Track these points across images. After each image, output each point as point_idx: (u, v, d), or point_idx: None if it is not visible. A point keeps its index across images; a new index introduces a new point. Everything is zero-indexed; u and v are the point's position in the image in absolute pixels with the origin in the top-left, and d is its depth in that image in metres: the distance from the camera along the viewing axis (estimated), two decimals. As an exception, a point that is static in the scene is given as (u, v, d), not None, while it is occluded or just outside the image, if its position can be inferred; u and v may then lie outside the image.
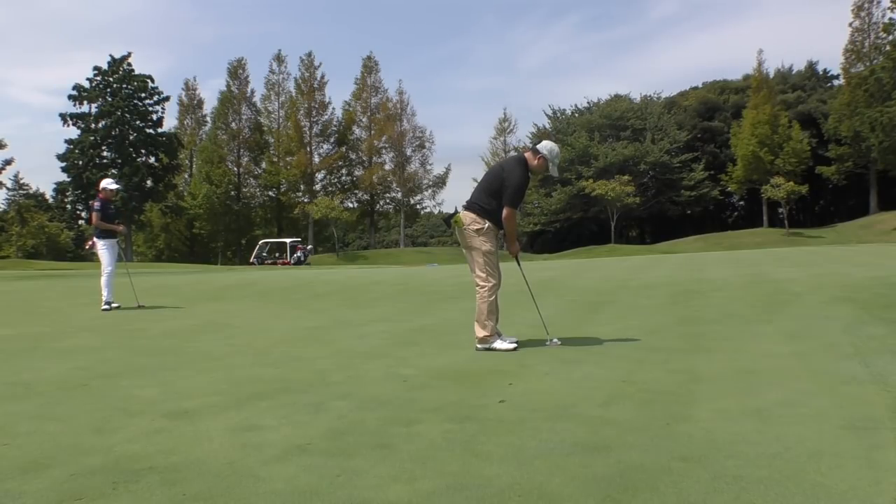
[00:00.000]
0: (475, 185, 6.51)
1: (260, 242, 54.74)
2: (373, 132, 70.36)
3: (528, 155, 6.27)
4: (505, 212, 6.06)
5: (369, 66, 71.12)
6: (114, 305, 10.57)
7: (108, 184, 11.03)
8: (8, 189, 62.42)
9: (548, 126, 79.88)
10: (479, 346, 6.07)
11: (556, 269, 19.06)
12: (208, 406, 4.13)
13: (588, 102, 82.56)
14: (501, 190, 6.07)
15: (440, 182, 72.16)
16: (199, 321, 9.03)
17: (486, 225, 6.11)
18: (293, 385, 4.72)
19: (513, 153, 6.95)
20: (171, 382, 4.92)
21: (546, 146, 6.25)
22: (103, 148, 57.78)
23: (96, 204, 10.78)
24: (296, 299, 12.10)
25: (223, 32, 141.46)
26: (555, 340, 6.20)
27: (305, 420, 3.77)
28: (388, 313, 9.57)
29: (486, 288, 6.11)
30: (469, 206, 6.22)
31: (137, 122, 58.09)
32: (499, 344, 6.04)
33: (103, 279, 10.58)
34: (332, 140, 70.10)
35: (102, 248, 10.71)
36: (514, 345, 6.05)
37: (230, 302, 11.87)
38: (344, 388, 4.59)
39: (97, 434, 3.56)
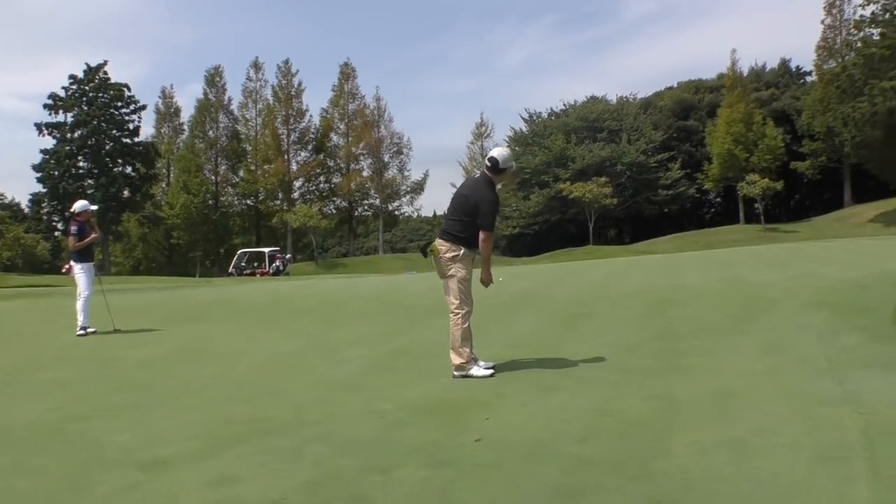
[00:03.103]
0: (452, 193, 6.52)
1: (238, 252, 54.36)
2: (350, 139, 70.20)
3: (490, 174, 6.23)
4: (482, 235, 6.06)
5: (346, 72, 70.98)
6: (90, 330, 10.45)
7: (84, 206, 10.89)
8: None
9: (524, 129, 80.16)
10: (455, 373, 6.08)
11: (535, 276, 19.10)
12: (184, 454, 4.10)
13: (564, 105, 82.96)
14: (474, 214, 6.08)
15: (418, 188, 72.18)
16: (176, 347, 8.96)
17: (462, 251, 6.12)
18: (271, 425, 4.70)
19: (476, 174, 6.87)
20: (147, 424, 4.88)
21: (501, 155, 6.22)
22: (79, 158, 57.08)
23: (73, 227, 10.64)
24: (274, 318, 12.03)
25: (200, 35, 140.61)
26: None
27: (283, 469, 3.75)
28: (366, 333, 9.54)
29: (459, 315, 6.12)
30: (443, 235, 6.23)
31: (114, 132, 57.48)
32: (475, 371, 6.05)
33: (79, 303, 10.46)
34: (309, 147, 69.83)
35: (80, 272, 10.58)
36: (491, 371, 6.06)
37: (208, 323, 11.78)
38: (322, 428, 4.57)
39: (72, 492, 3.52)
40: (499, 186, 6.46)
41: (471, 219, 6.08)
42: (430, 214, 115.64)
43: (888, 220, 51.08)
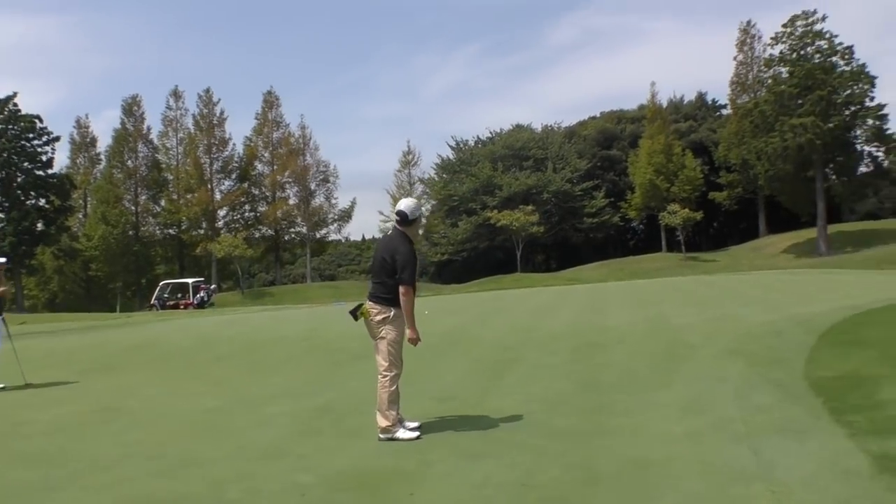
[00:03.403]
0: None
1: (161, 283, 52.92)
2: (275, 167, 69.51)
3: (403, 228, 6.24)
4: (401, 289, 6.01)
5: (270, 100, 70.43)
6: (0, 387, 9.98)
7: None
8: None
9: (451, 157, 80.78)
10: (381, 436, 6.00)
11: (462, 312, 19.13)
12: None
13: (490, 133, 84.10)
14: (395, 273, 6.05)
15: (346, 216, 71.94)
16: (90, 405, 8.58)
17: (392, 313, 6.07)
18: (186, 509, 4.53)
19: (389, 232, 6.79)
20: (54, 511, 4.64)
21: (409, 207, 6.24)
22: (-10, 191, 55.01)
23: (-20, 281, 10.18)
24: (196, 366, 11.71)
25: (116, 62, 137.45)
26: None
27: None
28: (290, 384, 9.37)
29: (388, 377, 6.06)
30: (371, 298, 6.18)
31: (26, 164, 55.45)
32: (401, 434, 5.99)
33: (-12, 359, 9.99)
34: (233, 176, 68.84)
35: (-12, 327, 10.12)
36: (416, 434, 6.01)
37: (126, 373, 11.37)
38: (240, 512, 4.43)
39: None
40: (420, 231, 6.44)
41: (393, 280, 6.06)
42: (359, 238, 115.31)
43: (798, 251, 53.37)
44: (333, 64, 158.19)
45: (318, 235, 70.95)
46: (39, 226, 56.08)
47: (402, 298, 5.99)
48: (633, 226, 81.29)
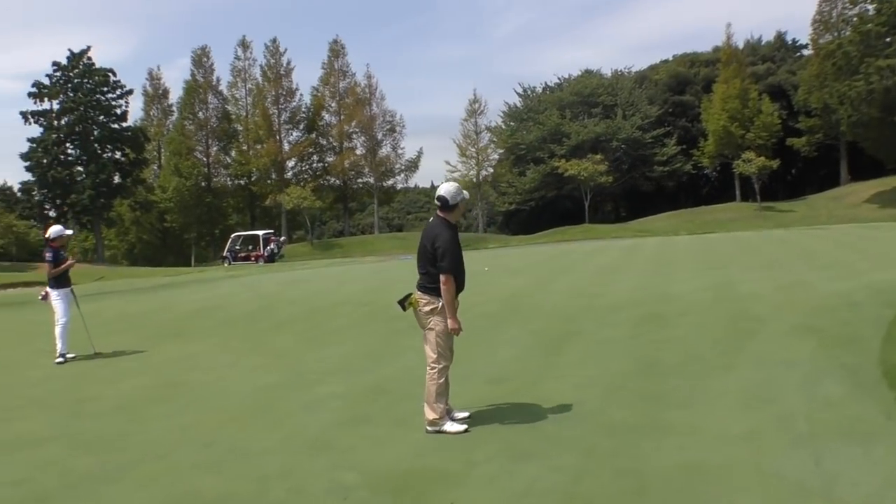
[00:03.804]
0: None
1: (232, 236, 54.05)
2: (342, 117, 69.56)
3: (444, 214, 6.07)
4: (441, 278, 5.87)
5: (336, 49, 70.15)
6: (69, 356, 10.31)
7: (59, 231, 10.65)
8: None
9: (518, 104, 79.50)
10: (428, 428, 5.93)
11: (525, 271, 18.92)
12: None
13: (558, 79, 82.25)
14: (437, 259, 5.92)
15: (412, 166, 71.77)
16: (154, 379, 8.79)
17: (440, 304, 5.94)
18: (229, 513, 4.55)
19: (431, 220, 6.53)
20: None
21: (449, 192, 6.04)
22: (67, 145, 56.54)
23: (48, 254, 10.43)
24: (258, 333, 11.91)
25: (187, 7, 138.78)
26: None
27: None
28: (347, 357, 9.44)
29: (436, 370, 5.96)
30: (420, 288, 6.05)
31: (101, 118, 56.80)
32: (448, 426, 5.89)
33: (58, 330, 10.30)
34: (301, 127, 69.21)
35: (56, 298, 10.41)
36: (464, 427, 5.90)
37: (191, 341, 11.63)
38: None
39: None
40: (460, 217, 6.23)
41: (436, 268, 5.92)
42: (428, 185, 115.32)
43: (883, 200, 50.88)
44: (399, 7, 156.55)
45: (384, 185, 71.11)
46: (116, 178, 57.71)
47: (442, 287, 5.85)
48: (705, 174, 78.76)
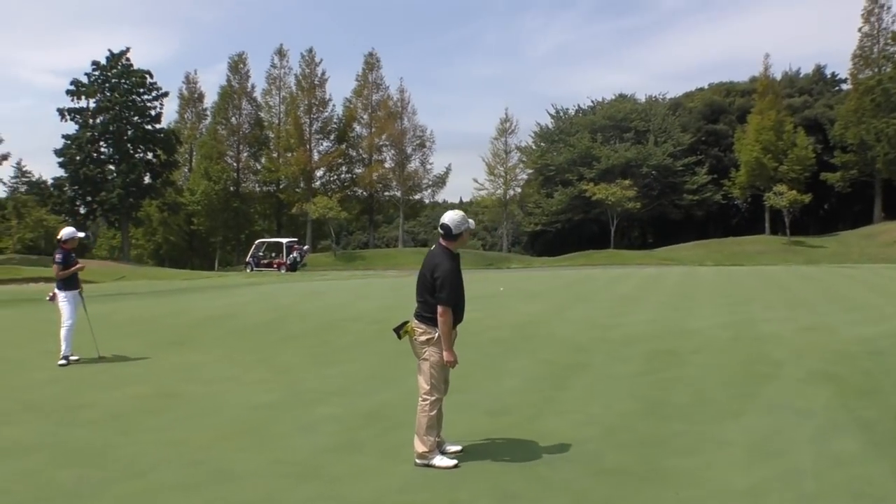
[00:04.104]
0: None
1: (256, 242, 54.29)
2: (373, 130, 69.90)
3: (446, 243, 5.86)
4: (439, 310, 5.66)
5: (371, 62, 70.65)
6: (72, 359, 10.26)
7: (71, 234, 10.61)
8: (4, 183, 62.04)
9: (550, 125, 79.35)
10: (417, 461, 5.73)
11: (543, 295, 18.65)
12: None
13: (592, 102, 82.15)
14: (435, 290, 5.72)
15: (440, 182, 71.91)
16: (152, 388, 8.69)
17: (437, 334, 5.75)
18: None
19: (433, 248, 6.34)
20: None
21: (453, 220, 5.81)
22: (101, 144, 57.35)
23: (58, 256, 10.39)
24: (265, 346, 11.77)
25: (225, 14, 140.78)
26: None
27: None
28: (351, 377, 9.27)
29: (428, 402, 5.76)
30: (416, 316, 5.87)
31: (135, 118, 57.55)
32: (438, 461, 5.68)
33: (63, 332, 10.26)
34: (332, 137, 69.69)
35: (63, 300, 10.37)
36: (454, 462, 5.69)
37: (197, 350, 11.53)
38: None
39: None
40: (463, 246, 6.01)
41: (434, 298, 5.73)
42: (457, 201, 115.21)
43: (917, 239, 49.92)
44: (436, 21, 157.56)
45: (411, 200, 71.20)
46: (146, 179, 58.32)
47: (439, 319, 5.65)
48: (735, 204, 77.99)
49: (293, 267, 47.60)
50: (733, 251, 52.96)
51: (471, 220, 6.00)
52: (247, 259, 51.87)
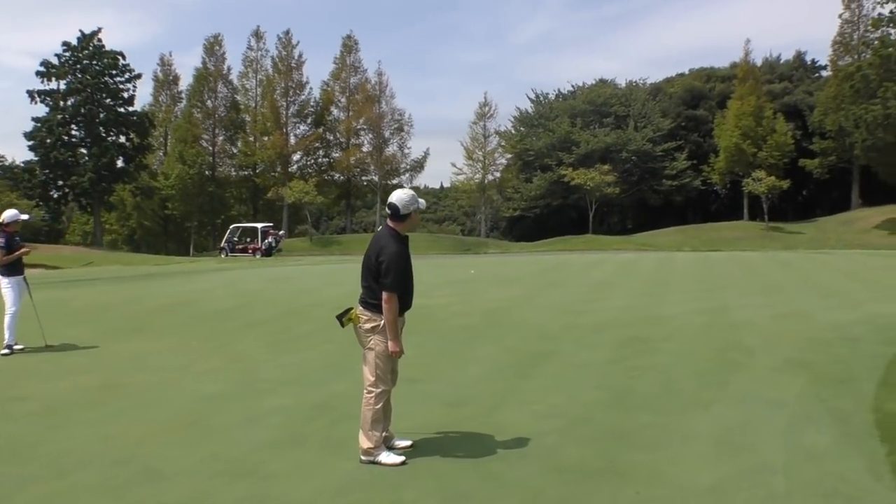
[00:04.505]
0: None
1: (231, 227, 53.51)
2: (351, 113, 69.08)
3: (393, 224, 5.43)
4: (383, 296, 5.24)
5: (349, 45, 69.71)
6: (16, 348, 9.76)
7: (14, 216, 10.06)
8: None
9: (530, 110, 78.92)
10: (362, 457, 5.32)
11: (518, 281, 18.33)
12: None
13: (572, 86, 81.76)
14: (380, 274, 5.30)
15: (418, 166, 71.24)
16: (96, 379, 8.22)
17: (382, 322, 5.33)
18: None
19: (380, 229, 5.94)
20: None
21: (401, 200, 5.36)
22: (72, 126, 55.97)
23: (1, 240, 9.85)
24: (224, 333, 11.34)
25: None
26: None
27: None
28: (307, 366, 8.86)
29: (373, 394, 5.35)
30: (362, 303, 5.45)
31: (108, 101, 56.20)
32: (384, 457, 5.28)
33: (7, 320, 9.75)
34: (309, 121, 68.73)
35: (6, 286, 9.85)
36: (402, 458, 5.29)
37: (151, 338, 11.06)
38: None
39: None
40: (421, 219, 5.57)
41: (378, 283, 5.32)
42: (437, 186, 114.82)
43: (893, 227, 50.08)
44: (419, 7, 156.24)
45: (389, 184, 70.60)
46: (119, 163, 57.16)
47: (384, 306, 5.23)
48: (715, 190, 77.95)
49: (268, 252, 47.03)
50: (711, 237, 52.93)
51: (421, 200, 5.56)
52: (221, 244, 51.18)
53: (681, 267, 23.12)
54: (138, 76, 58.41)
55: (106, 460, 5.48)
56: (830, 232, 51.73)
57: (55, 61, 55.58)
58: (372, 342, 5.36)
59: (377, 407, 5.32)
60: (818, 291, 15.31)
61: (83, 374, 8.51)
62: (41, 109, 56.44)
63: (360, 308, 5.43)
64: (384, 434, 5.44)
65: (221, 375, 8.41)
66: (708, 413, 6.51)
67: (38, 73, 55.01)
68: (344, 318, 5.50)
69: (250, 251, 48.02)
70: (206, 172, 65.25)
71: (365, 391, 5.41)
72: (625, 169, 67.94)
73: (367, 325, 5.36)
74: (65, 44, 55.91)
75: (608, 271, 21.49)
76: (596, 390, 7.38)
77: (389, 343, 5.27)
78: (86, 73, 55.42)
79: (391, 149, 69.67)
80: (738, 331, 10.49)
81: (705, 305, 13.03)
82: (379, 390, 5.35)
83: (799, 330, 10.37)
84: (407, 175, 71.41)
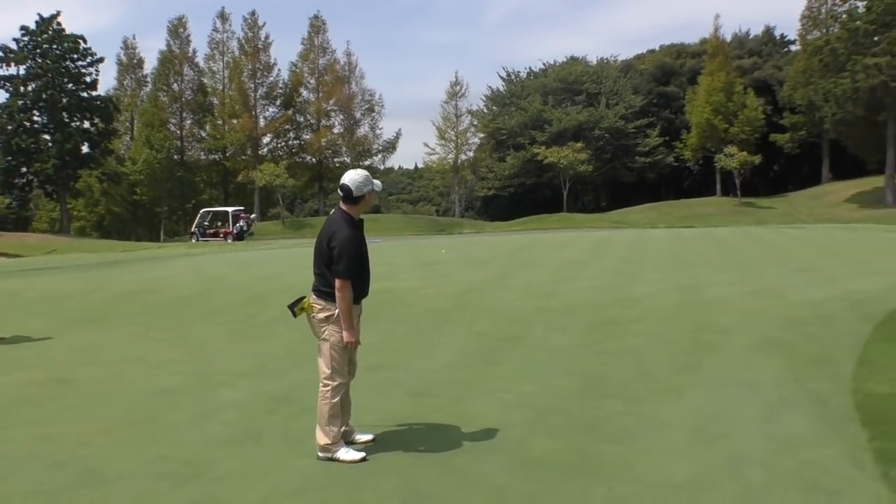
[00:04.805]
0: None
1: (202, 211, 52.62)
2: (320, 95, 68.13)
3: (346, 207, 5.09)
4: (337, 283, 4.91)
5: (317, 25, 68.58)
6: (-38, 342, 9.31)
7: None
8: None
9: (502, 89, 78.45)
10: (319, 454, 5.01)
11: (489, 262, 18.05)
12: None
13: (543, 64, 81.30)
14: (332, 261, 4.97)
15: (390, 147, 70.60)
16: (45, 373, 7.81)
17: (337, 311, 5.00)
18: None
19: (332, 213, 5.26)
20: None
21: (354, 181, 5.02)
22: (34, 112, 54.52)
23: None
24: (184, 323, 10.93)
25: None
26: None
27: None
28: (267, 356, 8.51)
29: (329, 388, 5.03)
30: (315, 291, 5.10)
31: (70, 85, 54.76)
32: (343, 454, 4.97)
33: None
34: (278, 103, 67.64)
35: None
36: (362, 455, 4.98)
37: (107, 328, 10.63)
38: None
39: None
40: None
41: (331, 270, 4.99)
42: (411, 167, 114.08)
43: (863, 200, 50.50)
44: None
45: (362, 165, 69.86)
46: (84, 148, 55.89)
47: (336, 294, 4.90)
48: (687, 167, 78.15)
49: (240, 236, 46.37)
50: (685, 213, 53.05)
51: (377, 182, 5.22)
52: (192, 229, 50.37)
53: (654, 244, 22.98)
54: (101, 60, 57.01)
55: (44, 462, 5.12)
56: (801, 206, 52.07)
57: (13, 46, 54.09)
58: (326, 332, 5.03)
59: (334, 401, 5.01)
60: (791, 267, 15.20)
61: (32, 368, 8.10)
62: (1, 95, 55.07)
63: (314, 297, 5.09)
64: (343, 429, 5.13)
65: (177, 367, 8.05)
66: (681, 399, 6.28)
67: (-5, 59, 53.50)
68: (296, 307, 5.16)
69: (221, 235, 47.32)
70: (175, 157, 64.17)
71: (321, 384, 5.09)
72: (598, 146, 67.82)
73: (321, 315, 5.03)
74: (23, 28, 54.39)
75: (581, 250, 21.28)
76: (566, 377, 7.13)
77: (344, 333, 4.95)
78: (46, 57, 53.95)
79: (362, 130, 69.06)
80: (711, 310, 10.30)
81: (678, 284, 12.84)
82: (335, 383, 5.03)
83: (773, 308, 10.20)
84: (379, 156, 70.88)
